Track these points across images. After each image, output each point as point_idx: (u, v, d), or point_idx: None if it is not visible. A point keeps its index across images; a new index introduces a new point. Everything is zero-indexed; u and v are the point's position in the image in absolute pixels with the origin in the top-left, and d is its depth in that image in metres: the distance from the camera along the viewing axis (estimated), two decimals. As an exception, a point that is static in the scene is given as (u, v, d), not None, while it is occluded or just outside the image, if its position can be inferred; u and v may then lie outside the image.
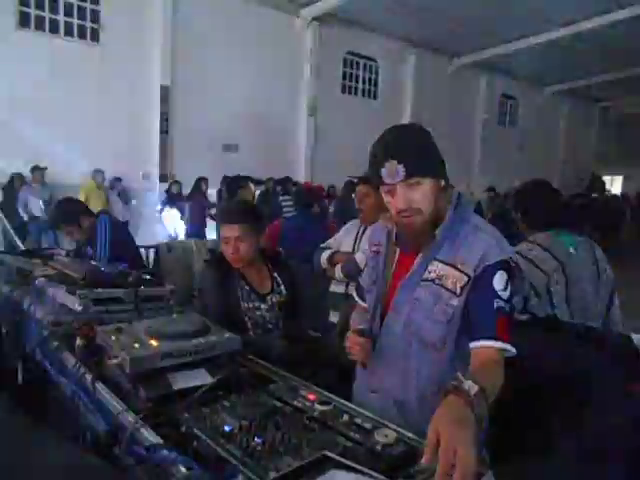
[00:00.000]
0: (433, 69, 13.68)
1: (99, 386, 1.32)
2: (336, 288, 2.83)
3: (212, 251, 2.56)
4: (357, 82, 12.75)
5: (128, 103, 8.97)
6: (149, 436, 1.06)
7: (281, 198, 7.35)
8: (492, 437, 1.26)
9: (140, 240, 3.98)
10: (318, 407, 1.20)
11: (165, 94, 9.35)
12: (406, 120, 12.06)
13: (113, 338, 1.41)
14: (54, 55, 8.26)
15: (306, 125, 11.57)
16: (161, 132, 9.43)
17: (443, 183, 1.29)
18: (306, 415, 1.16)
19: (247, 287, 1.99)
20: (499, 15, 10.66)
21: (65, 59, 8.34)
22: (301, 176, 11.25)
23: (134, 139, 9.20)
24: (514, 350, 1.18)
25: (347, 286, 2.69)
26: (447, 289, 1.25)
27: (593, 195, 11.70)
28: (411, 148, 1.23)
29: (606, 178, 18.52)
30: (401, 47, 12.93)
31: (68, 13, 8.47)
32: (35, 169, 7.79)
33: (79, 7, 8.56)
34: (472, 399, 0.94)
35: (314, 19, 11.04)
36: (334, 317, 2.78)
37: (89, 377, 1.36)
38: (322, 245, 2.87)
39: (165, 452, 0.99)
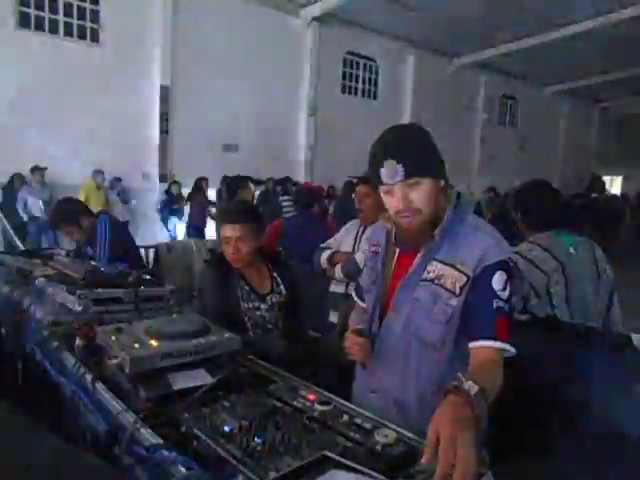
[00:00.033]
0: (433, 69, 13.68)
1: (99, 386, 1.32)
2: (336, 288, 2.83)
3: (212, 251, 2.56)
4: (357, 82, 12.77)
5: (128, 103, 8.97)
6: (149, 436, 1.06)
7: (281, 198, 7.35)
8: (492, 437, 1.26)
9: (140, 240, 3.97)
10: (318, 407, 1.20)
11: (165, 94, 9.36)
12: (406, 120, 12.07)
13: (113, 338, 1.41)
14: (54, 55, 8.27)
15: (306, 125, 11.58)
16: (161, 132, 9.43)
17: (442, 183, 1.29)
18: (306, 415, 1.16)
19: (247, 287, 1.99)
20: (499, 15, 10.66)
21: (65, 59, 8.35)
22: (301, 176, 11.25)
23: (134, 139, 9.20)
24: (513, 350, 1.18)
25: (347, 286, 2.69)
26: (446, 289, 1.25)
27: (593, 195, 11.67)
28: (410, 148, 1.23)
29: (606, 178, 18.47)
30: (401, 47, 12.94)
31: (68, 13, 8.49)
32: (35, 169, 7.78)
33: (79, 7, 8.58)
34: (472, 399, 0.94)
35: (314, 19, 11.05)
36: (334, 317, 2.78)
37: (89, 377, 1.36)
38: (322, 245, 2.87)
39: (165, 452, 0.99)
